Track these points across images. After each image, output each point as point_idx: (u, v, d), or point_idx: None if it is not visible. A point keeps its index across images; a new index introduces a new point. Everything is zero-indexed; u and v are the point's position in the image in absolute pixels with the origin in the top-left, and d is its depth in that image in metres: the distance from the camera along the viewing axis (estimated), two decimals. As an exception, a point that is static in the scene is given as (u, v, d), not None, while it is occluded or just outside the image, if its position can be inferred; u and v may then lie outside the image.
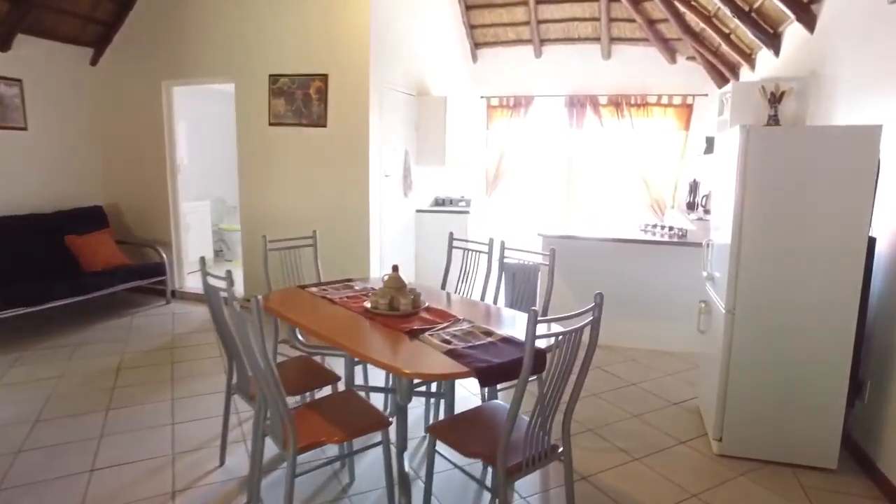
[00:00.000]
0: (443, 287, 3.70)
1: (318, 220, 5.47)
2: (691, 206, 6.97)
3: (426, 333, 2.45)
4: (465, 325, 2.57)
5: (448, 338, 2.40)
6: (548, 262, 3.18)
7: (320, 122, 5.31)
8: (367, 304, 2.81)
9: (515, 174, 8.19)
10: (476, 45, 8.04)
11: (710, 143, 5.95)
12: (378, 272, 5.56)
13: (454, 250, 3.73)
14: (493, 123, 8.14)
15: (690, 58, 7.18)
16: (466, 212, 6.19)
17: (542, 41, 7.76)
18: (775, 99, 4.25)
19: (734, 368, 2.97)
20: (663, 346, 4.66)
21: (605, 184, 7.96)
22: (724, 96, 5.03)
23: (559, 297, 4.83)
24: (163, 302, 6.07)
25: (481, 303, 3.12)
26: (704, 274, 3.40)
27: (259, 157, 5.61)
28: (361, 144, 5.20)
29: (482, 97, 8.14)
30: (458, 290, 3.56)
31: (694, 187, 7.01)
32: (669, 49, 7.25)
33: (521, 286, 3.62)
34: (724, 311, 2.97)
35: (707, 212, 6.23)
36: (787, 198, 2.78)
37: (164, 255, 6.04)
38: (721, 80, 6.79)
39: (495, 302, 3.37)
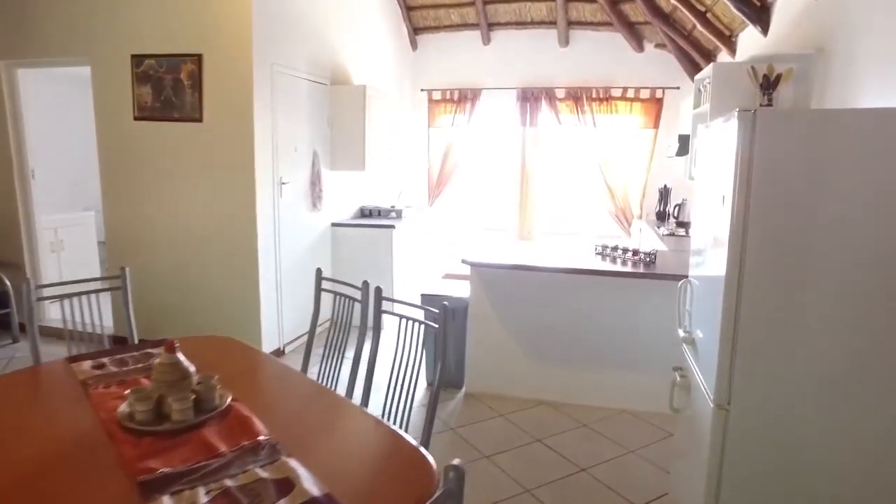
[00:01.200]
0: (308, 348, 2.59)
1: (194, 240, 4.30)
2: (661, 217, 5.96)
3: (175, 488, 1.32)
4: (259, 463, 1.45)
5: (207, 500, 1.28)
6: (437, 324, 2.05)
7: (194, 115, 4.14)
8: (122, 408, 1.67)
9: (462, 179, 7.11)
10: (415, 30, 6.94)
11: (683, 142, 4.95)
12: (274, 307, 4.41)
13: (325, 293, 2.62)
14: (436, 120, 7.05)
15: (660, 45, 6.19)
16: (391, 226, 5.07)
17: (491, 25, 6.69)
18: (769, 83, 3.23)
19: (729, 475, 1.91)
20: (625, 404, 3.59)
21: (564, 190, 6.93)
22: (701, 83, 4.01)
23: (499, 347, 3.75)
24: (8, 340, 4.83)
25: (334, 396, 2.01)
26: (681, 332, 2.33)
27: (124, 159, 4.41)
28: (245, 143, 4.05)
29: (423, 90, 7.04)
30: (326, 358, 2.44)
31: (665, 194, 6.01)
32: (636, 35, 6.24)
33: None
34: (711, 405, 1.90)
35: (681, 225, 5.21)
36: (817, 218, 1.73)
37: (9, 282, 4.79)
38: (694, 69, 5.80)
39: (370, 382, 2.26)
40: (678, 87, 6.22)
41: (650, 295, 3.38)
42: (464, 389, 3.83)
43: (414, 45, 6.97)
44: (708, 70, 3.74)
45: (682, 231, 4.99)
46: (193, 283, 4.37)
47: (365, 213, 5.78)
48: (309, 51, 4.74)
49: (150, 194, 4.40)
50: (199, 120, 4.14)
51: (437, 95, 6.98)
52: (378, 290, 2.32)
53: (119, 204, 4.52)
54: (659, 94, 6.30)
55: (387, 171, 6.26)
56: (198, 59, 4.09)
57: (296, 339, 4.74)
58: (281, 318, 4.51)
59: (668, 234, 4.90)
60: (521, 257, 3.78)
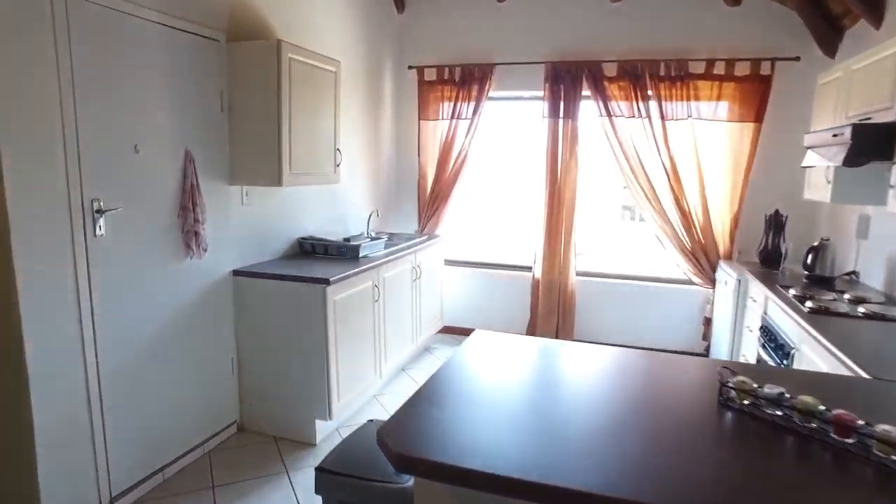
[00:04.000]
0: None
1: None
2: (769, 260, 3.78)
3: None
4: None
5: None
6: None
7: None
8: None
9: (466, 193, 5.02)
10: (402, -18, 4.89)
11: (867, 139, 2.76)
12: (77, 456, 2.39)
13: None
14: (429, 110, 4.97)
15: (769, -8, 4.01)
16: (323, 281, 3.00)
17: (508, -29, 4.60)
18: None
19: None
20: None
21: (612, 213, 4.79)
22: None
23: None
24: None
25: None
26: None
27: None
28: None
29: (411, 67, 4.97)
30: None
31: (775, 225, 3.81)
32: (730, -23, 4.08)
33: None
34: None
35: (821, 282, 3.04)
36: None
37: None
38: (828, 32, 3.61)
39: None
40: (797, 59, 4.02)
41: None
42: None
43: (400, 5, 4.91)
44: None
45: (855, 297, 2.80)
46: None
47: (305, 248, 3.74)
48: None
49: None
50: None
51: (430, 75, 4.90)
52: None
53: None
54: (765, 68, 4.11)
55: (350, 183, 4.22)
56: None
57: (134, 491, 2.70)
58: (101, 466, 2.47)
59: (824, 309, 2.68)
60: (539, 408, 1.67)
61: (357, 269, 3.28)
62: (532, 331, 4.86)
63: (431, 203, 5.00)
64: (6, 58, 2.00)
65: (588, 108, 4.54)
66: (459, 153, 4.84)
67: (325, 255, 3.67)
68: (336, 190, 4.14)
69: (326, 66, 3.34)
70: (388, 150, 5.03)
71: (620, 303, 4.72)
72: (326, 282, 2.98)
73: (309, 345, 3.08)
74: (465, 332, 5.09)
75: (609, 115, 4.44)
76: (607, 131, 4.46)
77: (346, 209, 4.33)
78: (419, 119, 4.99)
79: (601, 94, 4.44)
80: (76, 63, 2.23)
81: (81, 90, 2.26)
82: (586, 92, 4.51)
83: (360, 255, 3.61)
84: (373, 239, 3.95)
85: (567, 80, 4.52)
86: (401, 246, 4.06)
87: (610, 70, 4.40)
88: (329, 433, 3.30)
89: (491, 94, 4.74)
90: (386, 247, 3.97)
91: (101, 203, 2.36)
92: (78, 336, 2.32)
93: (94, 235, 2.35)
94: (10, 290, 2.09)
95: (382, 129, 4.86)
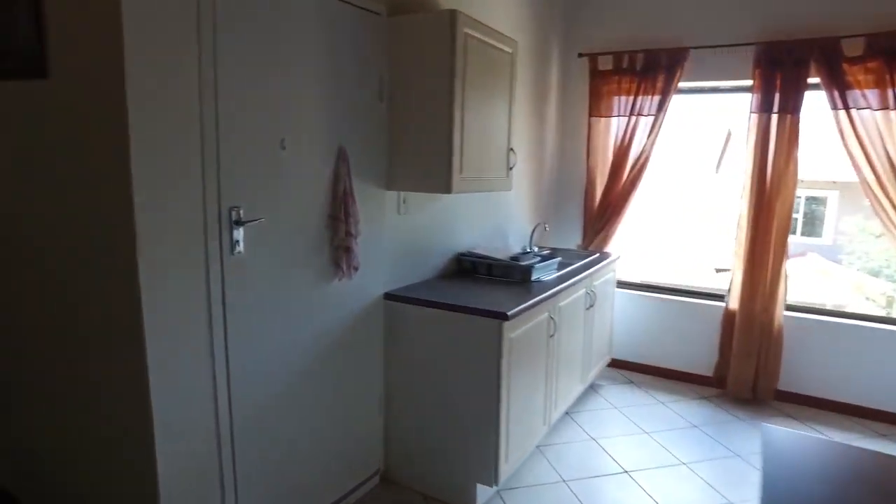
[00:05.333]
0: None
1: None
2: None
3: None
4: None
5: None
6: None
7: (34, 62, 1.78)
8: None
9: (645, 207, 4.21)
10: (574, -45, 4.19)
11: None
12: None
13: None
14: (602, 105, 4.22)
15: None
16: (500, 315, 2.36)
17: (713, -68, 3.74)
18: None
19: None
20: None
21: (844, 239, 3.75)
22: None
23: None
24: None
25: None
26: None
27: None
28: (113, 126, 1.59)
29: (581, 55, 4.25)
30: None
31: None
32: None
33: None
34: None
35: None
36: None
37: None
38: None
39: None
40: None
41: None
42: None
43: (571, -18, 4.22)
44: None
45: None
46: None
47: (464, 266, 3.15)
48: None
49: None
50: (42, 73, 1.76)
51: (605, 63, 4.15)
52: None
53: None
54: None
55: (518, 188, 3.59)
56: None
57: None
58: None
59: None
60: None
61: (536, 299, 2.62)
62: (721, 374, 3.94)
63: (600, 215, 4.24)
64: (143, 41, 1.55)
65: (815, 98, 3.57)
66: (639, 157, 4.05)
67: (487, 275, 3.05)
68: (496, 198, 3.53)
69: (503, 46, 2.72)
70: (551, 153, 4.34)
71: (844, 349, 3.68)
72: (504, 316, 2.34)
73: (474, 390, 2.46)
74: (636, 368, 4.28)
75: (846, 107, 3.44)
76: (843, 128, 3.46)
77: (506, 220, 3.70)
78: (589, 116, 4.25)
79: (837, 80, 3.45)
80: (220, 43, 1.77)
81: (224, 74, 1.79)
82: (813, 79, 3.54)
83: (532, 277, 2.95)
84: (543, 258, 3.27)
85: (787, 64, 3.57)
86: (574, 267, 3.36)
87: (853, 47, 3.40)
88: (490, 497, 2.67)
89: (681, 84, 3.90)
90: (559, 267, 3.28)
91: (241, 212, 1.89)
92: (209, 375, 1.86)
93: (232, 253, 1.88)
94: (136, 325, 1.65)
95: (546, 128, 4.19)
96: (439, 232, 3.01)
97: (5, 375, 2.12)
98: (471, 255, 3.15)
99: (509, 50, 2.78)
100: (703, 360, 4.02)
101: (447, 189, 2.41)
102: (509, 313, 2.36)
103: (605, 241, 4.24)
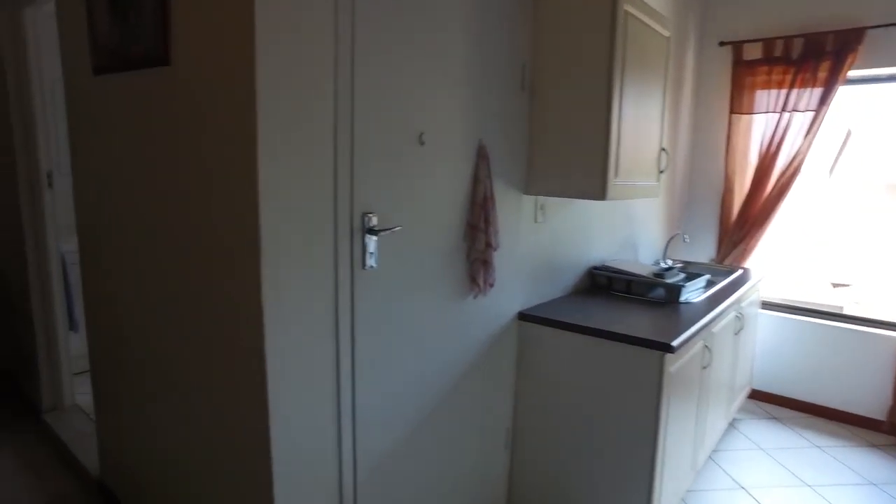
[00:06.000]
0: None
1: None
2: None
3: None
4: None
5: None
6: None
7: (157, 51, 1.57)
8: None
9: (794, 220, 3.67)
10: (718, -68, 3.70)
11: None
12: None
13: None
14: (745, 100, 3.70)
15: None
16: (663, 345, 1.96)
17: None
18: None
19: None
20: None
21: None
22: None
23: None
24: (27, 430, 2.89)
25: None
26: None
27: (91, 147, 2.08)
28: (242, 112, 1.35)
29: (722, 43, 3.75)
30: None
31: None
32: None
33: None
34: None
35: None
36: None
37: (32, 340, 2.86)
38: None
39: None
40: None
41: None
42: None
43: (711, -38, 3.74)
44: None
45: None
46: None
47: (598, 282, 2.76)
48: None
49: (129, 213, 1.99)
50: (165, 60, 1.56)
51: (753, 52, 3.63)
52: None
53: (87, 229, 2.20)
54: None
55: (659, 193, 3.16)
56: None
57: None
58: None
59: None
60: None
61: (697, 327, 2.20)
62: None
63: (739, 225, 3.72)
64: (279, 24, 1.31)
65: None
66: (792, 161, 3.50)
67: (625, 293, 2.66)
68: (628, 205, 3.12)
69: (661, 29, 2.32)
70: (684, 155, 3.87)
71: None
72: (667, 348, 1.95)
73: (623, 431, 2.08)
74: (779, 402, 3.73)
75: None
76: None
77: (637, 229, 3.28)
78: (730, 112, 3.75)
79: None
80: (358, 25, 1.49)
81: (362, 60, 1.52)
82: None
83: (681, 298, 2.53)
84: (689, 276, 2.84)
85: None
86: (723, 287, 2.89)
87: None
88: (632, 554, 2.27)
89: (851, 73, 3.34)
90: (706, 286, 2.83)
91: (375, 219, 1.61)
92: (333, 409, 1.59)
93: (363, 268, 1.60)
94: (258, 370, 1.40)
95: (679, 126, 3.72)
96: (573, 243, 2.64)
97: (135, 388, 1.96)
98: (606, 269, 2.76)
99: (666, 33, 2.37)
100: (870, 399, 3.42)
101: (600, 195, 2.05)
102: (674, 344, 1.96)
103: (743, 255, 3.72)
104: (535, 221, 2.32)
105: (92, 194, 2.09)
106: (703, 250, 3.93)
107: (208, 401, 1.63)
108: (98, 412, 2.33)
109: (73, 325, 3.28)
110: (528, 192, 2.23)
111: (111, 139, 1.90)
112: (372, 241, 1.60)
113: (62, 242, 3.14)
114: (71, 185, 2.19)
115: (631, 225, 3.18)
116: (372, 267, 1.61)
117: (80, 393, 3.23)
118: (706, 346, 2.44)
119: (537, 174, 2.19)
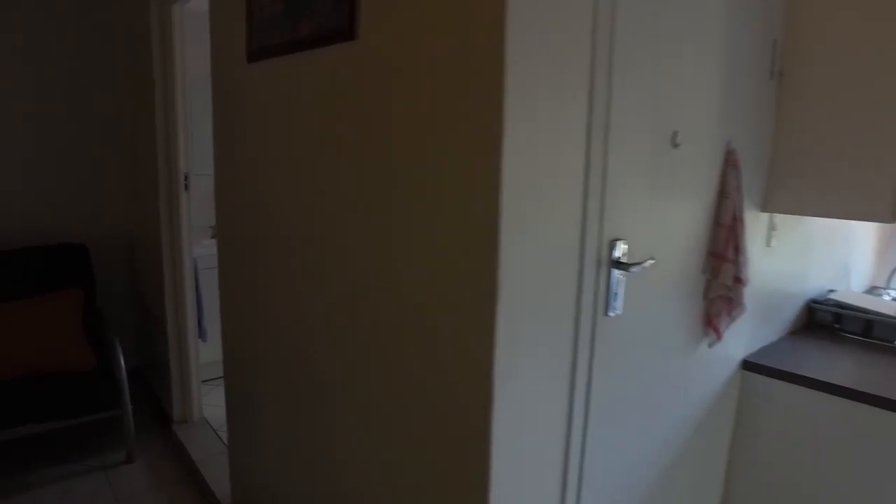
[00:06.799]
0: None
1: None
2: None
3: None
4: None
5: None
6: None
7: (340, 23, 1.25)
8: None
9: None
10: None
11: None
12: None
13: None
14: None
15: None
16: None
17: None
18: None
19: None
20: None
21: None
22: None
23: None
24: (160, 439, 2.77)
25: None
26: None
27: (239, 140, 1.82)
28: (483, 94, 0.98)
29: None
30: None
31: None
32: None
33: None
34: None
35: None
36: None
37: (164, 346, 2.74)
38: None
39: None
40: None
41: None
42: None
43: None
44: None
45: None
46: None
47: (820, 320, 2.22)
48: None
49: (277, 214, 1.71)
50: (351, 34, 1.22)
51: None
52: None
53: (229, 222, 1.96)
54: None
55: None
56: None
57: None
58: None
59: None
60: None
61: None
62: None
63: (970, 248, 3.01)
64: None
65: None
66: None
67: (860, 335, 2.10)
68: (844, 225, 2.53)
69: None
70: None
71: None
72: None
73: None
74: None
75: None
76: None
77: (848, 250, 2.68)
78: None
79: None
80: (620, 20, 1.09)
81: (620, 60, 1.11)
82: None
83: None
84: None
85: None
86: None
87: None
88: None
89: None
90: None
91: (623, 247, 1.20)
92: (558, 485, 1.21)
93: (606, 313, 1.20)
94: (485, 420, 1.04)
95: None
96: (795, 272, 2.12)
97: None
98: (831, 303, 2.22)
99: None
100: None
101: (889, 216, 1.54)
102: None
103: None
104: (768, 245, 1.84)
105: (236, 196, 1.83)
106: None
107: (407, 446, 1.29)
108: (232, 452, 2.09)
109: (201, 334, 3.12)
110: (765, 208, 1.75)
111: (266, 135, 1.62)
112: (619, 278, 1.20)
113: (195, 247, 2.99)
114: (202, 188, 1.95)
115: (847, 247, 2.59)
116: (616, 312, 1.21)
117: (207, 405, 3.08)
118: None
119: (784, 185, 1.71)
